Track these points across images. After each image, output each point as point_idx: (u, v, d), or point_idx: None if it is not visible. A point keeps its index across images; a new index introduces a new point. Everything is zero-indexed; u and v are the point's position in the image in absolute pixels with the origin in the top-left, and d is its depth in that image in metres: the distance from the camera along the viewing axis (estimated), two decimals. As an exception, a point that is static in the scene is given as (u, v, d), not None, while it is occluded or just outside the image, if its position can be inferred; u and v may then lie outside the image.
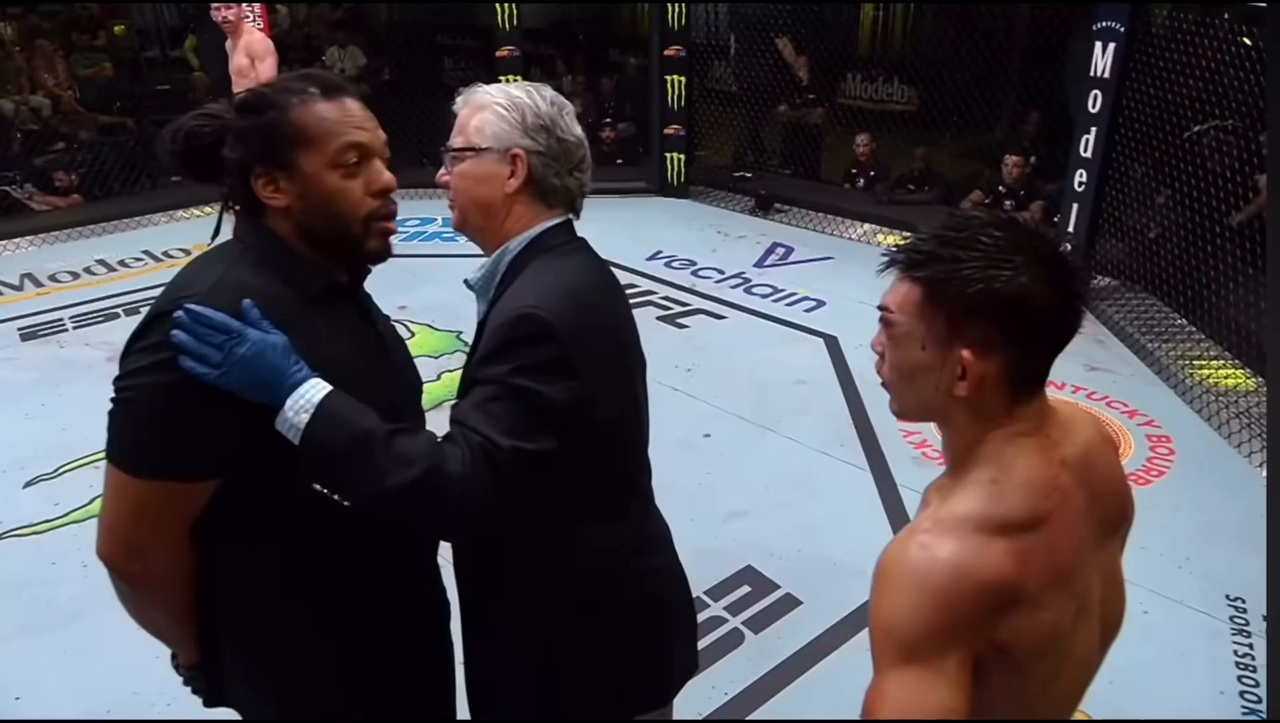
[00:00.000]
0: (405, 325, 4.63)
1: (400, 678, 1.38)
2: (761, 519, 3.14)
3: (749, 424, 3.78)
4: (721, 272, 5.55)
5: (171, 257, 5.85)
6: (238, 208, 1.23)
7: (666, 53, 6.73)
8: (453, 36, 9.73)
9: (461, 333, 4.59)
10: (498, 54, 6.79)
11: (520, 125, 1.28)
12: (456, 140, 1.31)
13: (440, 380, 3.98)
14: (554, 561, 1.32)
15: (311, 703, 1.31)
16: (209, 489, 1.17)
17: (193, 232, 5.98)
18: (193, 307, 1.09)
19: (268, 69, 5.22)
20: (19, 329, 4.71)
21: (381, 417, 1.15)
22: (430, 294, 5.02)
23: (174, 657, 1.37)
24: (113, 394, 1.13)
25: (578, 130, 1.32)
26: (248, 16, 5.55)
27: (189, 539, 1.21)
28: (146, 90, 8.28)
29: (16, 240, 6.16)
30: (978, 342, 0.94)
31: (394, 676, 1.37)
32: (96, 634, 2.56)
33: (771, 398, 3.98)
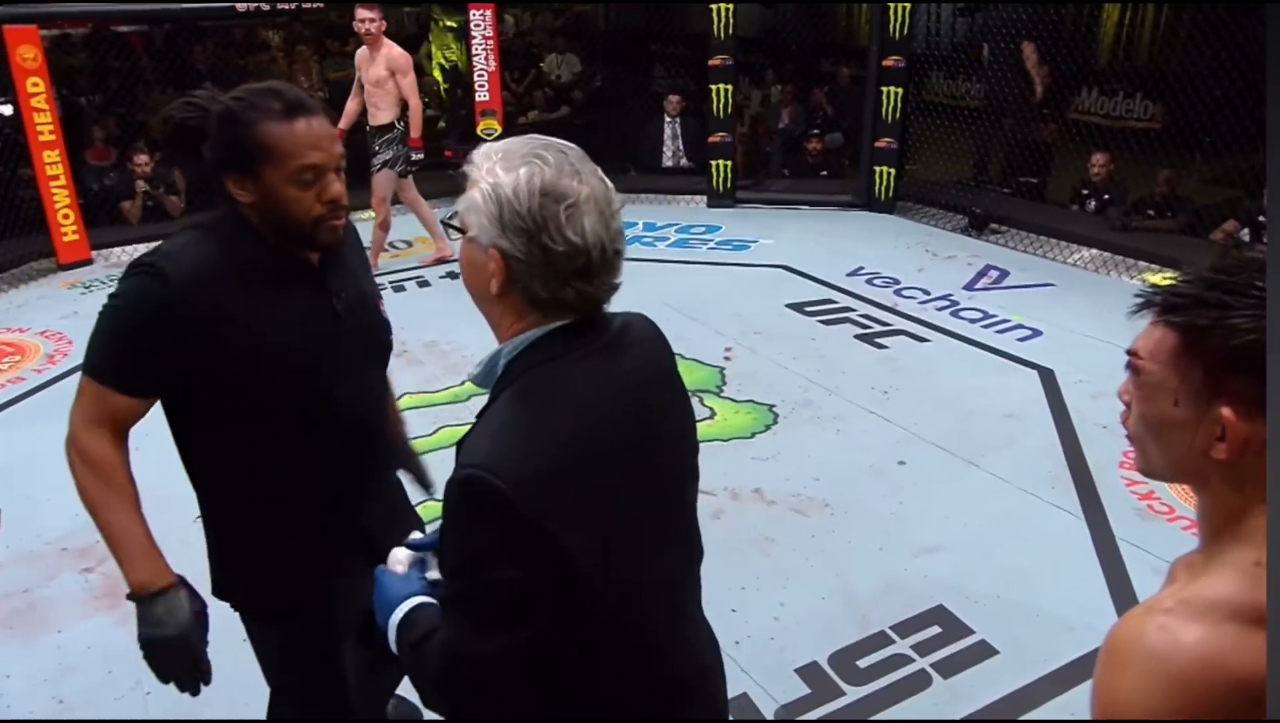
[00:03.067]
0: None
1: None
2: (957, 558, 2.94)
3: (949, 455, 3.56)
4: (927, 292, 5.29)
5: (395, 247, 6.26)
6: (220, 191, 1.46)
7: (885, 63, 6.51)
8: (665, 44, 9.91)
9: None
10: (710, 63, 6.82)
11: (497, 221, 1.02)
12: (459, 205, 1.08)
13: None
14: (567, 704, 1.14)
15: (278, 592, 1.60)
16: (139, 406, 1.44)
17: (407, 226, 6.36)
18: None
19: (409, 85, 5.42)
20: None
21: (321, 377, 1.46)
22: (626, 296, 5.01)
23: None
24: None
25: (583, 231, 1.01)
26: None
27: (119, 440, 1.45)
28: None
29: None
30: (1241, 400, 0.81)
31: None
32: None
33: (975, 429, 3.73)
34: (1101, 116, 8.01)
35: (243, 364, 1.42)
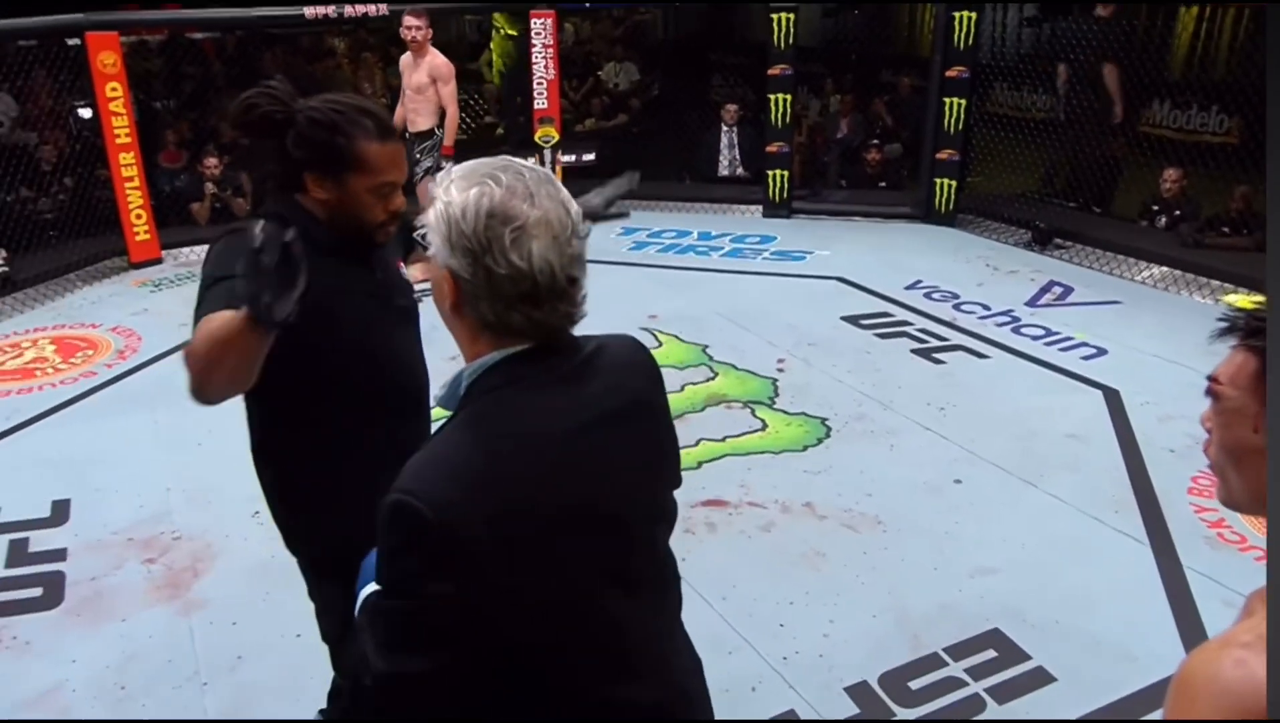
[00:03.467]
0: (654, 335, 4.72)
1: None
2: (1014, 580, 2.86)
3: (1007, 475, 3.47)
4: (987, 307, 5.18)
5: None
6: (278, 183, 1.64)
7: (948, 74, 6.40)
8: (723, 54, 9.89)
9: (707, 347, 4.60)
10: (769, 72, 6.78)
11: (447, 241, 1.02)
12: (423, 223, 1.09)
13: (683, 392, 4.02)
14: None
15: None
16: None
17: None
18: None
19: (450, 93, 5.46)
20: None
21: (374, 344, 1.66)
22: (680, 305, 5.10)
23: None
24: None
25: (529, 256, 1.00)
26: None
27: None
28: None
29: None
30: None
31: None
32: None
33: (1036, 449, 3.64)
34: (1174, 130, 7.78)
35: (313, 324, 1.50)
